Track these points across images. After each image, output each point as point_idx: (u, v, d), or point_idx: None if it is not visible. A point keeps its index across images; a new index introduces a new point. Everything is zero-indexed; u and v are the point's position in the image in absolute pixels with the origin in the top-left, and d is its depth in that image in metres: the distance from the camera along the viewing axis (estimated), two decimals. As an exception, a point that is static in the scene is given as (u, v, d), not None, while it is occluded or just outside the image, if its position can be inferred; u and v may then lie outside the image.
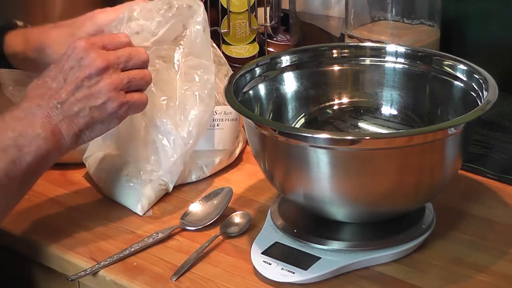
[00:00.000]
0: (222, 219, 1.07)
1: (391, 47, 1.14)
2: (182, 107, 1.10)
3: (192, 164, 1.17)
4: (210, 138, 1.17)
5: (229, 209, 1.09)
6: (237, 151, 1.22)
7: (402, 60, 1.12)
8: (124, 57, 1.00)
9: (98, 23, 1.08)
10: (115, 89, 0.99)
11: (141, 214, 1.11)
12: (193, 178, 1.17)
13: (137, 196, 1.11)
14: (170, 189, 1.14)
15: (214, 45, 1.18)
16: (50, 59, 1.07)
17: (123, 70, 1.00)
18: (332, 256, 0.98)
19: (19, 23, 1.16)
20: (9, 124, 0.97)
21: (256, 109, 1.08)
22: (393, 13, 1.36)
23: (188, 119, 1.09)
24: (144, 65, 1.02)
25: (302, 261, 0.97)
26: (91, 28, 1.08)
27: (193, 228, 1.07)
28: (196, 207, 1.09)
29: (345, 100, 1.15)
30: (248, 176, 1.19)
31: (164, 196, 1.14)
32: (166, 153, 1.10)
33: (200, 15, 1.11)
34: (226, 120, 1.18)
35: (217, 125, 1.18)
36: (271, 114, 1.11)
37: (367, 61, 1.14)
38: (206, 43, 1.13)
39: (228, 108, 1.17)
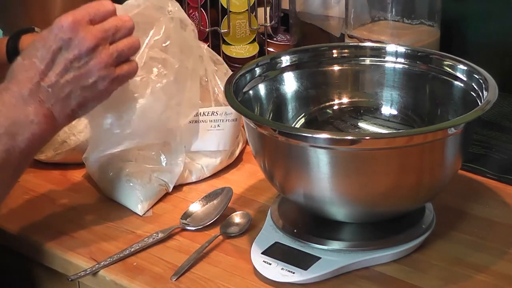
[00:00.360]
0: (222, 219, 1.07)
1: (391, 47, 1.14)
2: (131, 93, 1.08)
3: (193, 164, 1.17)
4: (210, 139, 1.17)
5: (229, 209, 1.09)
6: (237, 151, 1.23)
7: (402, 60, 1.12)
8: (112, 30, 0.98)
9: None
10: (106, 67, 0.97)
11: (141, 214, 1.11)
12: (193, 178, 1.17)
13: (137, 196, 1.11)
14: (170, 189, 1.14)
15: (204, 45, 1.18)
16: None
17: (111, 43, 0.98)
18: (332, 256, 0.98)
19: (37, 29, 1.20)
20: (0, 111, 0.95)
21: (256, 109, 1.08)
22: (393, 13, 1.36)
23: (135, 107, 1.08)
24: (130, 32, 1.00)
25: (302, 261, 0.97)
26: None
27: (193, 228, 1.07)
28: (196, 207, 1.09)
29: (345, 100, 1.15)
30: (248, 176, 1.19)
31: (164, 196, 1.14)
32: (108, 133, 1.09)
33: (173, 13, 1.11)
34: (226, 120, 1.18)
35: (218, 125, 1.18)
36: (271, 114, 1.11)
37: (367, 61, 1.14)
38: (179, 42, 1.12)
39: (229, 109, 1.17)
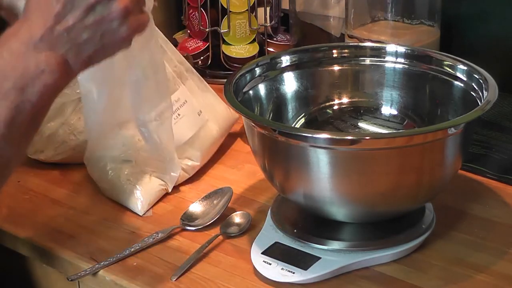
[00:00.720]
0: (222, 219, 1.07)
1: (391, 47, 1.14)
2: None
3: (181, 161, 1.16)
4: (181, 130, 1.15)
5: (229, 209, 1.09)
6: (213, 126, 1.21)
7: (402, 60, 1.12)
8: None
9: None
10: (128, 11, 0.87)
11: (141, 214, 1.11)
12: (190, 173, 1.17)
13: (137, 196, 1.11)
14: (170, 189, 1.14)
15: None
16: None
17: None
18: (332, 256, 0.98)
19: None
20: (8, 62, 0.85)
21: (256, 109, 1.08)
22: (393, 13, 1.36)
23: None
24: None
25: (302, 261, 0.97)
26: None
27: (193, 228, 1.07)
28: (196, 207, 1.09)
29: (345, 100, 1.15)
30: (248, 176, 1.19)
31: (164, 196, 1.14)
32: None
33: None
34: (180, 106, 1.16)
35: (179, 115, 1.15)
36: (271, 114, 1.10)
37: (367, 61, 1.14)
38: None
39: (174, 95, 1.15)
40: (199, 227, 1.07)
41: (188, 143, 1.17)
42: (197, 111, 1.19)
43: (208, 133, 1.20)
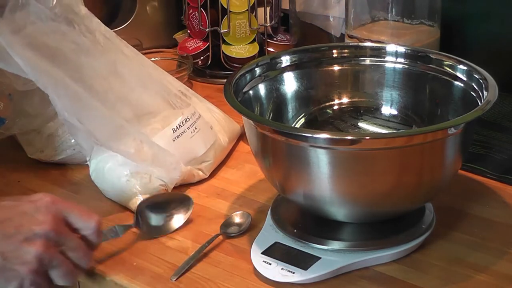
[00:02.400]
0: (222, 219, 1.07)
1: (391, 47, 1.14)
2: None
3: (192, 169, 1.17)
4: (197, 144, 1.17)
5: (229, 209, 1.09)
6: (223, 138, 1.22)
7: (402, 60, 1.12)
8: (71, 244, 0.92)
9: None
10: (39, 261, 0.90)
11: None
12: (195, 179, 1.18)
13: (136, 197, 1.11)
14: (170, 190, 1.14)
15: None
16: None
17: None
18: (332, 256, 0.98)
19: None
20: None
21: (256, 109, 1.08)
22: (393, 13, 1.36)
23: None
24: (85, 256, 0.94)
25: (302, 261, 0.97)
26: None
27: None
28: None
29: (345, 100, 1.15)
30: (248, 176, 1.19)
31: (164, 196, 1.14)
32: None
33: None
34: (196, 120, 1.17)
35: (195, 128, 1.17)
36: (271, 114, 1.11)
37: (367, 61, 1.14)
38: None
39: (191, 108, 1.17)
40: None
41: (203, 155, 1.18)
42: (209, 126, 1.21)
43: (219, 146, 1.21)
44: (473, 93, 1.03)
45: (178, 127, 1.15)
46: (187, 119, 1.16)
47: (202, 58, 1.53)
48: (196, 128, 1.17)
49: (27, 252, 0.89)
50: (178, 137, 1.15)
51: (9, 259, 0.89)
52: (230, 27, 1.48)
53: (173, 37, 1.63)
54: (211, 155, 1.19)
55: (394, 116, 1.13)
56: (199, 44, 1.52)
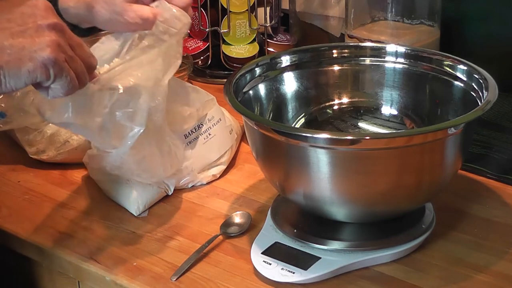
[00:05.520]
0: (222, 219, 1.07)
1: (391, 47, 1.14)
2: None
3: (202, 172, 1.17)
4: (210, 150, 1.17)
5: (229, 209, 1.09)
6: (234, 145, 1.23)
7: (402, 60, 1.12)
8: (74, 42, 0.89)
9: None
10: (55, 45, 0.86)
11: (136, 215, 1.10)
12: (204, 182, 1.18)
13: (135, 197, 1.11)
14: (171, 192, 1.14)
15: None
16: (97, 15, 1.03)
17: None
18: (332, 256, 0.98)
19: None
20: None
21: (256, 109, 1.08)
22: (393, 13, 1.36)
23: None
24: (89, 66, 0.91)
25: (302, 261, 0.97)
26: None
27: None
28: None
29: (345, 100, 1.15)
30: (248, 176, 1.19)
31: (166, 197, 1.14)
32: None
33: None
34: (213, 125, 1.18)
35: (209, 134, 1.17)
36: (271, 114, 1.11)
37: (367, 61, 1.14)
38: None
39: (209, 114, 1.17)
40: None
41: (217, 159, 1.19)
42: (229, 130, 1.21)
43: (234, 149, 1.22)
44: (473, 93, 1.03)
45: (190, 133, 1.15)
46: (200, 125, 1.16)
47: (202, 58, 1.53)
48: (210, 134, 1.17)
49: (43, 41, 0.85)
50: (190, 143, 1.15)
51: (26, 48, 0.85)
52: (230, 27, 1.48)
53: (173, 37, 1.63)
54: (225, 159, 1.19)
55: (394, 116, 1.13)
56: (199, 44, 1.52)
